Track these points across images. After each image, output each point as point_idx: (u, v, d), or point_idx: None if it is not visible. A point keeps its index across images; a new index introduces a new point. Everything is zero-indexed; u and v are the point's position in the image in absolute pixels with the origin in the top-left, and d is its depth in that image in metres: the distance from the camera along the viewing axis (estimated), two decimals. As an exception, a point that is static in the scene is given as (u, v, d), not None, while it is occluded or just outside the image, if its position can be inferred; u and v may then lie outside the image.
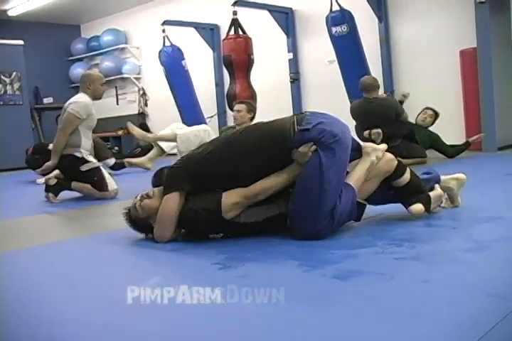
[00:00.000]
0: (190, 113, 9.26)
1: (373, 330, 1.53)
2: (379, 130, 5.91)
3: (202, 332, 1.62)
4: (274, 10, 8.87)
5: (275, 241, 2.64)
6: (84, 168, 4.75)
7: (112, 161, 7.05)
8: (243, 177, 2.67)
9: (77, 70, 11.97)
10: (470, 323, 1.54)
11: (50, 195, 4.75)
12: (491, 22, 6.78)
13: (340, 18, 7.37)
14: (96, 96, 4.92)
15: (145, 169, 6.69)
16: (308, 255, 2.39)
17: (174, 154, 6.62)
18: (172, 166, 2.82)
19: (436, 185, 3.08)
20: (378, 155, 2.87)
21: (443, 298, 1.75)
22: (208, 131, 6.11)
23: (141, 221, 2.80)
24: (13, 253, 2.83)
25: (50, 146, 5.35)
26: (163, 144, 6.54)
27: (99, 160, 5.33)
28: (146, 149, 10.94)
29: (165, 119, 10.39)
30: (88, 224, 3.83)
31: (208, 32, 9.95)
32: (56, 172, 5.00)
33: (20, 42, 10.05)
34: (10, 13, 11.00)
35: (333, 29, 7.41)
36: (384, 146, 2.97)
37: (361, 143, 3.04)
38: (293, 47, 9.14)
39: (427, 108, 6.46)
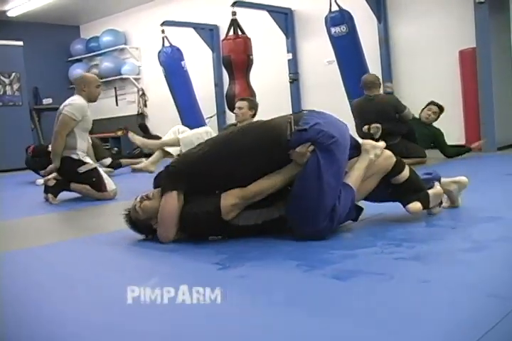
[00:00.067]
0: (189, 113, 9.27)
1: (373, 330, 1.53)
2: (378, 124, 5.91)
3: (202, 332, 1.62)
4: (273, 10, 8.87)
5: (275, 241, 2.64)
6: (82, 169, 4.76)
7: (108, 161, 7.10)
8: (240, 177, 2.66)
9: (77, 71, 11.95)
10: (470, 323, 1.54)
11: (50, 195, 4.75)
12: (491, 22, 6.78)
13: (340, 18, 7.38)
14: (91, 99, 4.94)
15: (149, 172, 6.71)
16: (307, 255, 2.39)
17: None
18: (168, 166, 2.82)
19: (436, 183, 3.05)
20: (377, 152, 2.86)
21: (443, 298, 1.75)
22: (209, 133, 6.09)
23: (141, 222, 2.80)
24: (13, 254, 2.83)
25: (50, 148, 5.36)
26: (170, 149, 6.54)
27: (97, 160, 5.33)
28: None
29: (164, 120, 10.43)
30: (88, 224, 3.83)
31: (207, 32, 9.96)
32: (55, 173, 5.01)
33: (20, 43, 10.05)
34: (9, 14, 10.99)
35: (333, 29, 7.43)
36: (383, 144, 2.95)
37: (360, 140, 3.02)
38: (292, 48, 9.14)
39: (432, 103, 6.41)
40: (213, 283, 1.90)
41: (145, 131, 11.20)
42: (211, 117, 9.88)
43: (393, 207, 3.00)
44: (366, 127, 6.00)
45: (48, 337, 1.67)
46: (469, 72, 7.04)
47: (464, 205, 3.20)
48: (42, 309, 1.91)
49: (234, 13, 8.19)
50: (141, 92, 11.65)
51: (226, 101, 8.66)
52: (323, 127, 2.61)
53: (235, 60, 8.21)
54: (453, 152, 6.31)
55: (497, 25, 6.97)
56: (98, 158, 6.40)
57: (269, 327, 1.61)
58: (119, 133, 11.69)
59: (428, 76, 7.74)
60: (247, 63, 8.32)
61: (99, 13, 11.97)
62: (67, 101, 4.83)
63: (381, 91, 6.58)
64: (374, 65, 7.66)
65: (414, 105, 6.52)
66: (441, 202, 3.08)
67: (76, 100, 4.81)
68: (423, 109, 6.44)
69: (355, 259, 2.28)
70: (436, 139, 6.33)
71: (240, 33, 8.28)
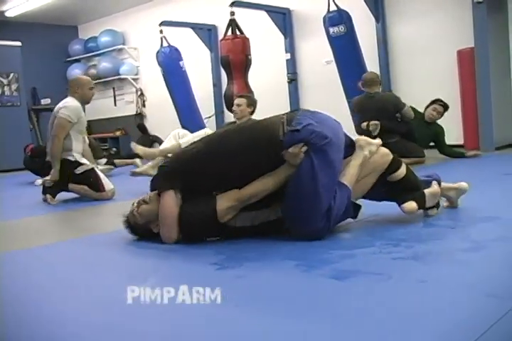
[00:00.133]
0: (187, 113, 9.27)
1: (371, 330, 1.54)
2: (377, 122, 5.92)
3: (201, 332, 1.63)
4: (271, 10, 8.87)
5: (273, 241, 2.64)
6: (79, 170, 4.77)
7: (103, 161, 7.12)
8: (235, 177, 2.67)
9: (75, 71, 11.95)
10: (468, 323, 1.55)
11: (48, 196, 4.76)
12: (489, 22, 6.78)
13: (338, 18, 7.39)
14: (84, 100, 4.96)
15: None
16: (306, 255, 2.40)
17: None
18: (161, 165, 2.82)
19: (434, 182, 3.02)
20: (372, 149, 2.85)
21: (441, 298, 1.76)
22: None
23: (140, 227, 2.80)
24: (13, 254, 2.84)
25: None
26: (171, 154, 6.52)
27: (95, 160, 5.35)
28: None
29: (163, 120, 10.44)
30: (87, 224, 3.84)
31: (206, 32, 9.96)
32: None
33: (18, 43, 10.05)
34: (7, 14, 10.97)
35: (331, 29, 7.43)
36: (379, 141, 2.93)
37: (357, 137, 3.00)
38: (290, 48, 9.15)
39: (437, 102, 6.34)
40: (212, 283, 1.91)
41: (143, 132, 11.20)
42: (210, 117, 9.88)
43: (391, 207, 3.00)
44: (365, 124, 6.01)
45: (48, 337, 1.67)
46: (467, 72, 7.04)
47: (463, 205, 3.20)
48: (42, 309, 1.91)
49: (232, 13, 8.18)
50: (139, 92, 11.65)
51: (224, 101, 8.66)
52: (316, 127, 2.60)
53: (234, 60, 8.21)
54: (449, 152, 6.30)
55: (495, 25, 6.98)
56: (94, 158, 6.41)
57: (269, 326, 1.62)
58: (118, 133, 11.72)
59: (426, 76, 7.75)
60: (246, 63, 8.32)
61: (97, 14, 11.96)
62: (61, 104, 4.84)
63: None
64: (372, 65, 7.65)
65: (413, 105, 6.52)
66: (438, 205, 3.04)
67: (70, 102, 4.82)
68: (427, 107, 6.38)
69: (353, 259, 2.28)
70: (436, 137, 6.32)
71: (238, 33, 8.27)
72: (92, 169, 4.87)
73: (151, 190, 2.85)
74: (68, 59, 12.70)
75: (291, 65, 9.17)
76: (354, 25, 7.43)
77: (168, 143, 5.47)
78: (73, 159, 4.78)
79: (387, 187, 2.92)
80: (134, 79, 11.74)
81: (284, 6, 9.02)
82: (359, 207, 2.81)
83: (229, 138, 2.75)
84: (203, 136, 6.04)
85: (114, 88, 12.12)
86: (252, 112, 5.76)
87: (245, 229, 2.69)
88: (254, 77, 8.57)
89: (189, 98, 9.33)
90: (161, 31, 9.08)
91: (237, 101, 5.82)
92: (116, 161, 7.42)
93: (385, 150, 2.92)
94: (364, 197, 2.93)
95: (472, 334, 1.44)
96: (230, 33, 8.27)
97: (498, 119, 6.90)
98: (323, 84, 8.62)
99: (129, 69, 11.71)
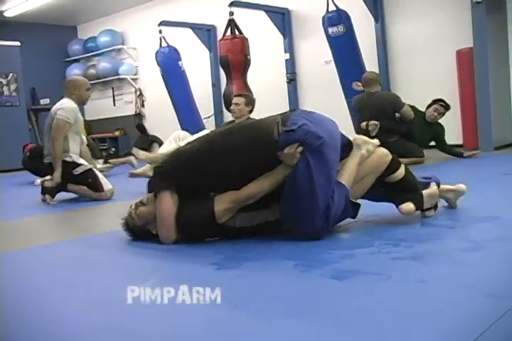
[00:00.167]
0: (186, 113, 9.27)
1: (371, 330, 1.54)
2: (376, 122, 5.93)
3: (201, 332, 1.63)
4: (270, 10, 8.88)
5: (272, 241, 2.65)
6: (78, 170, 4.78)
7: (100, 162, 7.13)
8: (232, 178, 2.66)
9: (74, 71, 11.95)
10: (467, 323, 1.55)
11: (47, 196, 4.77)
12: (488, 22, 6.80)
13: (337, 18, 7.39)
14: (81, 101, 4.99)
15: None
16: (305, 255, 2.40)
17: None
18: (156, 166, 2.83)
19: (432, 183, 3.02)
20: (369, 148, 2.84)
21: (440, 298, 1.76)
22: None
23: (139, 229, 2.80)
24: (13, 254, 2.84)
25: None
26: None
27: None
28: (143, 150, 10.95)
29: (162, 120, 10.44)
30: (86, 225, 3.84)
31: (205, 32, 9.96)
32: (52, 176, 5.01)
33: (17, 43, 10.05)
34: (6, 14, 10.96)
35: (330, 29, 7.44)
36: (376, 141, 2.93)
37: (355, 136, 2.99)
38: (289, 48, 9.16)
39: (439, 103, 6.32)
40: (211, 283, 1.91)
41: (142, 132, 11.20)
42: (209, 117, 9.88)
43: (390, 207, 2.99)
44: (364, 124, 6.02)
45: (47, 337, 1.67)
46: (467, 72, 7.05)
47: (462, 205, 3.21)
48: (42, 309, 1.92)
49: (231, 13, 8.19)
50: (138, 92, 11.65)
51: (223, 101, 8.67)
52: (311, 127, 2.60)
53: (233, 60, 8.21)
54: (448, 150, 6.29)
55: (494, 25, 6.99)
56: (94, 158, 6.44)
57: (268, 326, 1.62)
58: (117, 133, 11.71)
59: (425, 76, 7.76)
60: (245, 63, 8.32)
61: (96, 14, 11.96)
62: (57, 106, 4.85)
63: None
64: (371, 65, 7.66)
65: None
66: (436, 206, 3.04)
67: (66, 103, 4.83)
68: (428, 106, 6.37)
69: (353, 259, 2.28)
70: (437, 136, 6.32)
71: (237, 33, 8.28)
72: (91, 169, 4.87)
73: (149, 192, 2.85)
74: (67, 59, 12.69)
75: (290, 65, 9.18)
76: (353, 25, 7.43)
77: (168, 146, 5.46)
78: (70, 160, 4.78)
79: (385, 187, 2.91)
80: (133, 79, 11.74)
81: (283, 6, 9.03)
82: (358, 206, 2.80)
83: (226, 138, 2.74)
84: None
85: (113, 88, 12.12)
86: (251, 111, 5.75)
87: (245, 229, 2.69)
88: (253, 77, 8.57)
89: (188, 98, 9.33)
90: (160, 31, 9.09)
91: (235, 100, 5.81)
92: (112, 161, 7.40)
93: (384, 150, 2.92)
94: (362, 198, 2.92)
95: (471, 334, 1.44)
96: (229, 33, 8.28)
97: (497, 119, 6.91)
98: (322, 84, 8.63)
99: (128, 70, 11.71)
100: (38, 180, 6.00)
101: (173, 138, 5.32)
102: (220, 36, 8.83)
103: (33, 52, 11.45)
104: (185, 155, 2.76)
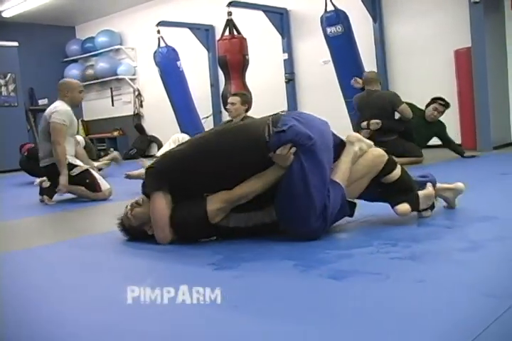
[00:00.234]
0: (185, 113, 9.27)
1: (369, 330, 1.54)
2: (378, 120, 5.94)
3: (201, 332, 1.63)
4: (268, 10, 8.89)
5: (271, 241, 2.65)
6: (75, 171, 4.78)
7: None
8: (224, 178, 2.66)
9: (72, 71, 11.97)
10: (466, 322, 1.55)
11: (45, 197, 4.78)
12: (486, 22, 6.81)
13: (335, 18, 7.40)
14: (74, 104, 5.01)
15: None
16: (303, 255, 2.40)
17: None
18: (148, 167, 2.83)
19: (428, 184, 3.00)
20: (362, 146, 2.83)
21: (438, 298, 1.76)
22: None
23: (135, 229, 2.81)
24: (12, 254, 2.85)
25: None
26: None
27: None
28: (141, 150, 10.98)
29: (160, 120, 10.44)
30: (85, 225, 3.85)
31: (203, 33, 9.97)
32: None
33: (15, 43, 10.05)
34: (4, 15, 10.95)
35: (328, 29, 7.44)
36: (370, 142, 2.93)
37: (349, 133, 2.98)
38: (288, 48, 9.16)
39: (438, 102, 6.28)
40: (209, 283, 1.91)
41: (141, 132, 11.21)
42: (207, 117, 9.89)
43: (388, 207, 3.00)
44: (365, 123, 6.02)
45: (47, 337, 1.68)
46: (465, 72, 7.06)
47: (460, 205, 3.20)
48: (41, 309, 1.92)
49: (229, 13, 8.19)
50: (137, 93, 11.65)
51: (222, 101, 8.66)
52: (301, 128, 2.59)
53: (231, 60, 8.21)
54: (452, 147, 6.26)
55: (492, 25, 7.00)
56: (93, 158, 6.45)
57: (267, 326, 1.62)
58: (115, 133, 11.71)
59: (423, 75, 7.77)
60: (243, 63, 8.32)
61: (94, 14, 11.96)
62: (51, 109, 4.85)
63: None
64: (370, 65, 7.67)
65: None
66: (432, 207, 3.02)
67: (60, 106, 4.84)
68: (427, 105, 6.33)
69: (351, 259, 2.28)
70: (439, 134, 6.29)
71: (235, 33, 8.28)
72: (87, 170, 4.88)
73: (143, 193, 2.85)
74: (66, 59, 12.69)
75: (289, 65, 9.18)
76: (351, 25, 7.44)
77: (168, 148, 5.45)
78: (67, 161, 4.78)
79: (381, 188, 2.90)
80: (131, 79, 11.74)
81: (281, 6, 9.04)
82: (354, 204, 2.81)
83: (218, 139, 2.74)
84: None
85: (111, 88, 12.12)
86: (247, 110, 5.71)
87: (240, 229, 2.69)
88: (251, 77, 8.57)
89: (186, 98, 9.33)
90: (159, 31, 9.08)
91: (230, 99, 5.77)
92: (99, 164, 7.32)
93: (380, 151, 2.91)
94: (358, 198, 2.92)
95: (470, 333, 1.44)
96: (227, 33, 8.28)
97: (496, 119, 6.92)
98: (321, 84, 8.64)
99: (127, 70, 11.71)
100: (38, 180, 6.00)
101: (173, 140, 5.31)
102: (218, 36, 8.84)
103: (31, 52, 11.44)
104: (177, 156, 2.76)
